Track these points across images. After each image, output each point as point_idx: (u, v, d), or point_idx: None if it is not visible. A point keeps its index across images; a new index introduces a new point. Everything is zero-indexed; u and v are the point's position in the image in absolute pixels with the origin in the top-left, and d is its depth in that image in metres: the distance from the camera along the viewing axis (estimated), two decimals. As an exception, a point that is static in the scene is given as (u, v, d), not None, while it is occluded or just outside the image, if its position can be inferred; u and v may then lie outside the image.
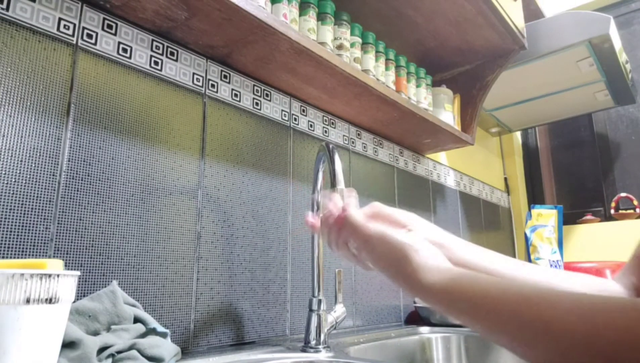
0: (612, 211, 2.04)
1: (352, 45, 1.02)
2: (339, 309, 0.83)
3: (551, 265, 1.63)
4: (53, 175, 0.61)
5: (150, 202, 0.72)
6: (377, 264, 0.46)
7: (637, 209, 1.98)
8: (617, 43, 1.46)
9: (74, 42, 0.67)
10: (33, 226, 0.58)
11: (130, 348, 0.54)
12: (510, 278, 0.49)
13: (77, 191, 0.64)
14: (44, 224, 0.59)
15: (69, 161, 0.63)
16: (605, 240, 2.02)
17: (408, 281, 0.41)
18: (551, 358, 0.28)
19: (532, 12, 1.59)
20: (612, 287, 0.48)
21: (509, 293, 0.33)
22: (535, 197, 2.31)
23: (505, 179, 2.24)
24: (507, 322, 0.31)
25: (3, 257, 0.55)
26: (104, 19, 0.71)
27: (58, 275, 0.39)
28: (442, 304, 0.38)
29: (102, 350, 0.53)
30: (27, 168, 0.59)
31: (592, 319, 0.26)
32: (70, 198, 0.63)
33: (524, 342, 0.30)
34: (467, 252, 0.52)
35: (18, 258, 0.56)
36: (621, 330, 0.24)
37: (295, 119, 1.03)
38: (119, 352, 0.53)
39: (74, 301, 0.55)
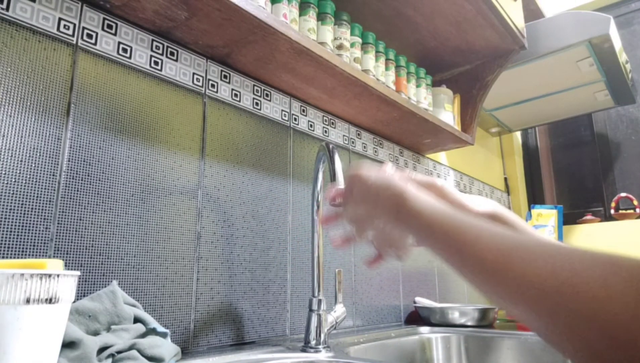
0: (612, 211, 2.04)
1: (352, 45, 1.02)
2: (339, 309, 0.83)
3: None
4: (53, 175, 0.61)
5: (150, 202, 0.72)
6: (379, 211, 0.44)
7: (637, 209, 1.98)
8: (617, 43, 1.46)
9: (74, 42, 0.67)
10: (33, 226, 0.58)
11: (130, 348, 0.54)
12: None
13: (77, 191, 0.64)
14: (44, 224, 0.59)
15: (69, 161, 0.63)
16: (605, 240, 2.02)
17: (404, 218, 0.41)
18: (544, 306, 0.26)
19: (532, 12, 1.59)
20: None
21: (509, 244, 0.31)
22: (535, 197, 2.31)
23: (505, 179, 2.24)
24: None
25: (3, 257, 0.55)
26: (104, 19, 0.71)
27: (58, 275, 0.39)
28: (432, 238, 0.37)
29: (102, 350, 0.53)
30: (27, 168, 0.59)
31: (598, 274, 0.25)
32: (70, 198, 0.63)
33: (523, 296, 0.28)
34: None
35: (18, 258, 0.56)
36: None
37: (295, 119, 1.03)
38: (119, 352, 0.53)
39: (74, 301, 0.55)
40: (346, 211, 0.50)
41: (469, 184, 1.84)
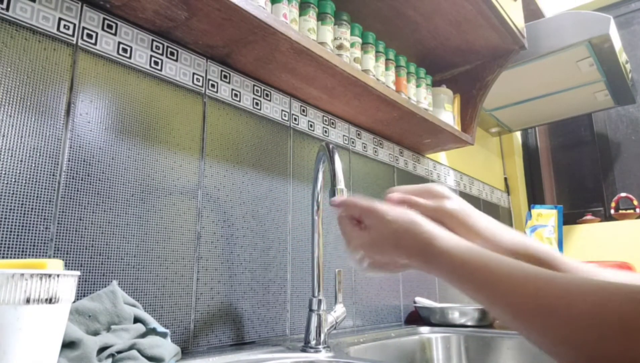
0: (612, 211, 2.04)
1: (352, 45, 1.02)
2: (339, 309, 0.83)
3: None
4: (53, 175, 0.61)
5: (150, 202, 0.72)
6: (401, 252, 0.44)
7: (637, 209, 1.98)
8: (617, 43, 1.46)
9: (74, 42, 0.67)
10: (33, 226, 0.58)
11: (130, 348, 0.54)
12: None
13: (77, 191, 0.64)
14: (44, 225, 0.59)
15: (69, 161, 0.63)
16: (605, 240, 2.02)
17: (433, 260, 0.40)
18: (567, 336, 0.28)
19: (532, 12, 1.59)
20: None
21: (531, 275, 0.33)
22: (535, 197, 2.31)
23: (505, 179, 2.24)
24: (527, 303, 0.32)
25: (3, 257, 0.55)
26: (104, 19, 0.71)
27: (58, 275, 0.39)
28: (463, 278, 0.38)
29: (102, 350, 0.53)
30: (27, 168, 0.59)
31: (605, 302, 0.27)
32: (70, 198, 0.63)
33: (540, 325, 0.30)
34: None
35: (18, 258, 0.56)
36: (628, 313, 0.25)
37: (295, 119, 1.03)
38: (119, 352, 0.53)
39: (74, 301, 0.55)
40: (362, 248, 0.48)
41: (469, 184, 1.84)
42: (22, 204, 0.58)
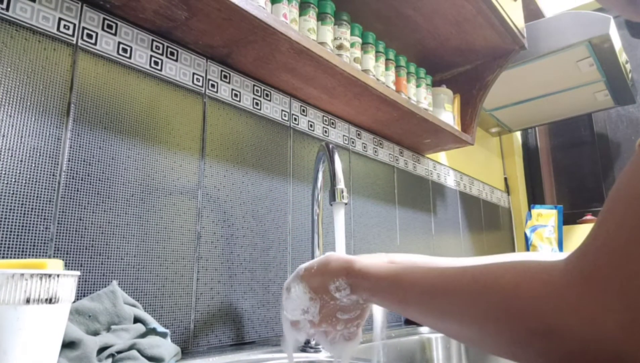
0: (612, 211, 2.04)
1: (352, 45, 1.02)
2: (339, 309, 0.83)
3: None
4: (53, 175, 0.61)
5: (150, 202, 0.72)
6: (330, 277, 0.47)
7: (637, 209, 1.98)
8: (617, 43, 1.46)
9: (74, 42, 0.67)
10: (33, 226, 0.58)
11: (130, 348, 0.54)
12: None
13: (77, 191, 0.64)
14: (44, 225, 0.59)
15: (69, 161, 0.63)
16: (605, 240, 2.01)
17: (355, 278, 0.44)
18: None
19: (532, 12, 1.59)
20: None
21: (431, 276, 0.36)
22: (535, 197, 2.31)
23: (505, 179, 2.24)
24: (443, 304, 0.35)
25: (3, 257, 0.55)
26: (104, 19, 0.71)
27: (58, 275, 0.39)
28: (381, 291, 0.42)
29: (102, 350, 0.53)
30: (27, 168, 0.59)
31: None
32: (70, 198, 0.63)
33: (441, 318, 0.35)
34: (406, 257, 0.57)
35: (18, 258, 0.56)
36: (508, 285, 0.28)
37: (295, 119, 1.03)
38: (119, 352, 0.53)
39: (74, 301, 0.55)
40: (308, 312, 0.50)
41: (469, 184, 1.84)
42: (22, 204, 0.58)
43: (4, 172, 0.57)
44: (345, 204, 0.69)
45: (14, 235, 0.57)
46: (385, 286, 0.41)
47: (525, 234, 1.78)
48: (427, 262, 0.56)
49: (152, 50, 0.77)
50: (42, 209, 0.60)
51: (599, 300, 0.23)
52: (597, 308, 0.23)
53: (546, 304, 0.25)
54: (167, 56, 0.79)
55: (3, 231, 0.56)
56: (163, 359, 0.56)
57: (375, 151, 1.29)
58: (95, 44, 0.69)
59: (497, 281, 0.29)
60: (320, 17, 0.93)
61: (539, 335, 0.25)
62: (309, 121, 1.07)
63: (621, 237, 0.23)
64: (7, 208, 0.56)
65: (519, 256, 0.57)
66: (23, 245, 0.57)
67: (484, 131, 2.12)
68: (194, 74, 0.83)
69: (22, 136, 0.59)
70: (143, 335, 0.58)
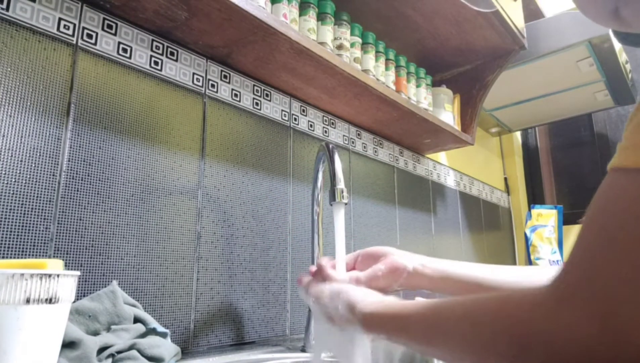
0: (612, 211, 2.04)
1: (352, 45, 1.02)
2: (339, 309, 0.83)
3: (551, 265, 1.63)
4: (53, 175, 0.61)
5: (150, 202, 0.72)
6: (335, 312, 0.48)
7: (637, 209, 1.98)
8: (617, 43, 1.46)
9: (74, 42, 0.67)
10: (33, 226, 0.58)
11: (130, 348, 0.54)
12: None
13: (77, 191, 0.64)
14: (44, 225, 0.59)
15: (69, 161, 0.63)
16: (605, 240, 2.01)
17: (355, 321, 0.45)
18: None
19: (532, 12, 1.59)
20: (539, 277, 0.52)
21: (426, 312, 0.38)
22: (535, 197, 2.31)
23: (505, 179, 2.24)
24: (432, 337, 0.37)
25: (3, 257, 0.55)
26: (104, 19, 0.71)
27: (58, 275, 0.39)
28: (376, 329, 0.43)
29: (102, 350, 0.53)
30: (27, 168, 0.59)
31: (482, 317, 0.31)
32: (70, 198, 0.63)
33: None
34: (443, 264, 0.59)
35: (18, 258, 0.56)
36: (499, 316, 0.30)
37: (295, 119, 1.03)
38: (119, 352, 0.53)
39: (74, 301, 0.55)
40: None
41: (469, 184, 1.84)
42: (22, 204, 0.58)
43: (4, 172, 0.57)
44: (345, 204, 0.69)
45: (14, 235, 0.57)
46: (384, 328, 0.42)
47: (525, 234, 1.78)
48: (460, 269, 0.57)
49: (152, 50, 0.77)
50: (42, 209, 0.60)
51: (574, 308, 0.25)
52: (572, 316, 0.25)
53: (527, 322, 0.28)
54: (167, 56, 0.79)
55: (3, 231, 0.56)
56: (163, 359, 0.56)
57: (375, 151, 1.29)
58: (95, 44, 0.69)
59: (483, 311, 0.31)
60: (320, 17, 0.93)
61: (526, 353, 0.27)
62: (309, 121, 1.07)
63: (590, 260, 0.26)
64: (7, 208, 0.56)
65: (530, 269, 0.58)
66: (23, 245, 0.57)
67: (484, 131, 2.12)
68: (194, 74, 0.83)
69: (22, 136, 0.59)
70: (143, 335, 0.58)
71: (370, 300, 0.46)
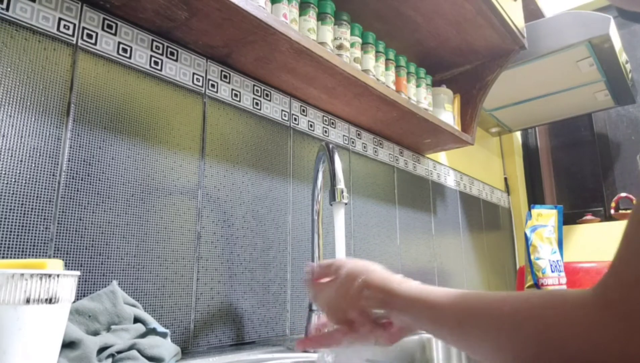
0: (612, 211, 2.04)
1: (352, 45, 1.02)
2: (339, 309, 0.83)
3: (551, 265, 1.63)
4: (53, 175, 0.61)
5: (150, 202, 0.72)
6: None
7: (637, 209, 1.98)
8: (617, 43, 1.46)
9: (74, 42, 0.67)
10: (33, 226, 0.58)
11: (130, 348, 0.54)
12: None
13: (77, 191, 0.64)
14: (44, 225, 0.59)
15: (69, 161, 0.63)
16: (605, 240, 2.02)
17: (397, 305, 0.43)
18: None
19: (532, 12, 1.59)
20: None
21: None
22: (535, 197, 2.31)
23: (505, 179, 2.24)
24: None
25: (3, 257, 0.55)
26: (104, 19, 0.71)
27: (58, 275, 0.39)
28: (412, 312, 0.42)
29: (102, 350, 0.53)
30: (27, 168, 0.59)
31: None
32: (70, 198, 0.63)
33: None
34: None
35: (18, 258, 0.56)
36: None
37: (295, 119, 1.03)
38: (119, 352, 0.53)
39: (74, 301, 0.55)
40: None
41: (469, 184, 1.84)
42: (22, 204, 0.58)
43: (4, 172, 0.57)
44: (345, 204, 0.69)
45: (14, 235, 0.57)
46: (420, 307, 0.41)
47: (525, 234, 1.78)
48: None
49: (152, 50, 0.77)
50: (42, 209, 0.60)
51: (622, 320, 0.24)
52: (620, 328, 0.24)
53: (575, 329, 0.27)
54: (167, 56, 0.79)
55: (3, 231, 0.56)
56: (163, 359, 0.56)
57: (375, 151, 1.29)
58: (95, 44, 0.69)
59: (533, 311, 0.30)
60: (320, 17, 0.93)
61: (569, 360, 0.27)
62: (309, 121, 1.07)
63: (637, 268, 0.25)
64: (7, 208, 0.56)
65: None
66: (23, 245, 0.57)
67: (484, 131, 2.12)
68: (194, 74, 0.83)
69: (22, 136, 0.59)
70: (143, 335, 0.58)
71: (408, 283, 0.44)
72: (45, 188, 0.60)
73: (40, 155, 0.60)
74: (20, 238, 0.57)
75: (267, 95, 0.97)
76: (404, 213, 1.36)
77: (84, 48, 0.68)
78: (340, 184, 0.68)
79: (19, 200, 0.58)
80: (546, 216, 1.81)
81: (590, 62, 1.52)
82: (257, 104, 0.94)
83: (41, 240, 0.59)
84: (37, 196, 0.59)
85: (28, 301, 0.37)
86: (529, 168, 2.37)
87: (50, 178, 0.61)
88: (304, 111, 1.06)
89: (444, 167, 1.67)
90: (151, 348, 0.55)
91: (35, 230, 0.59)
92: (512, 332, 0.31)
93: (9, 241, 0.56)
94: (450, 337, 0.38)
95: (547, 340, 0.28)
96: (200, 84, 0.84)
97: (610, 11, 2.14)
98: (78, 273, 0.43)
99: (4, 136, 0.58)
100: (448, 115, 1.33)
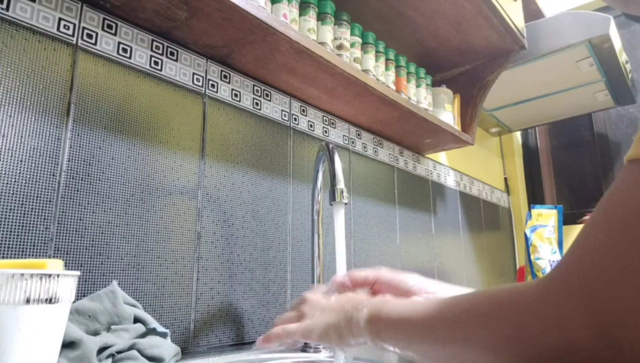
0: (612, 211, 2.04)
1: (352, 45, 1.02)
2: (339, 309, 0.83)
3: (551, 265, 1.63)
4: (53, 175, 0.61)
5: (150, 202, 0.72)
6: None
7: (637, 209, 1.97)
8: (617, 43, 1.46)
9: (74, 42, 0.67)
10: (33, 226, 0.58)
11: (130, 348, 0.54)
12: None
13: (77, 191, 0.64)
14: (44, 225, 0.59)
15: (69, 161, 0.63)
16: (605, 240, 2.01)
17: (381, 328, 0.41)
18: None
19: (532, 12, 1.59)
20: None
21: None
22: (535, 197, 2.31)
23: (505, 179, 2.24)
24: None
25: (3, 257, 0.55)
26: (104, 19, 0.71)
27: (58, 275, 0.39)
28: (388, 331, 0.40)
29: (102, 350, 0.53)
30: (27, 168, 0.59)
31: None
32: (70, 198, 0.63)
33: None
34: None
35: (18, 258, 0.56)
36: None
37: (295, 119, 1.03)
38: (119, 352, 0.53)
39: (74, 301, 0.55)
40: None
41: (469, 184, 1.84)
42: (22, 204, 0.58)
43: (4, 172, 0.57)
44: (345, 204, 0.69)
45: (14, 235, 0.57)
46: (390, 328, 0.39)
47: (525, 234, 1.78)
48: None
49: (152, 50, 0.77)
50: (42, 209, 0.60)
51: (570, 305, 0.25)
52: (567, 313, 0.25)
53: (522, 314, 0.27)
54: (167, 56, 0.79)
55: (3, 231, 0.56)
56: (163, 359, 0.56)
57: (375, 151, 1.29)
58: (95, 44, 0.69)
59: (482, 306, 0.31)
60: (320, 17, 0.93)
61: (519, 344, 0.27)
62: (309, 121, 1.07)
63: (590, 254, 0.25)
64: (7, 208, 0.56)
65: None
66: (23, 245, 0.57)
67: (484, 131, 2.12)
68: (194, 74, 0.83)
69: (22, 136, 0.59)
70: (143, 335, 0.58)
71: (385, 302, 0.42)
72: (45, 188, 0.60)
73: (40, 155, 0.60)
74: (20, 238, 0.57)
75: (267, 95, 0.97)
76: (404, 213, 1.36)
77: (84, 48, 0.68)
78: (340, 184, 0.68)
79: (19, 200, 0.58)
80: (546, 216, 1.81)
81: (590, 62, 1.53)
82: (257, 104, 0.94)
83: (41, 240, 0.59)
84: (37, 196, 0.59)
85: (28, 301, 0.37)
86: (529, 168, 2.37)
87: (50, 178, 0.61)
88: (304, 111, 1.06)
89: (444, 167, 1.67)
90: (151, 348, 0.55)
91: (35, 230, 0.59)
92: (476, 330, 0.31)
93: (9, 241, 0.56)
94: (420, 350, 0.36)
95: (502, 331, 0.28)
96: (200, 84, 0.84)
97: (610, 11, 2.14)
98: (78, 273, 0.43)
99: (4, 136, 0.58)
100: (448, 115, 1.33)
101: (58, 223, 0.61)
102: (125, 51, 0.73)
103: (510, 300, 0.29)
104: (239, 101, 0.90)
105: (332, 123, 1.15)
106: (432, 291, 0.48)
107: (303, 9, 0.89)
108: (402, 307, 0.39)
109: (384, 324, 0.40)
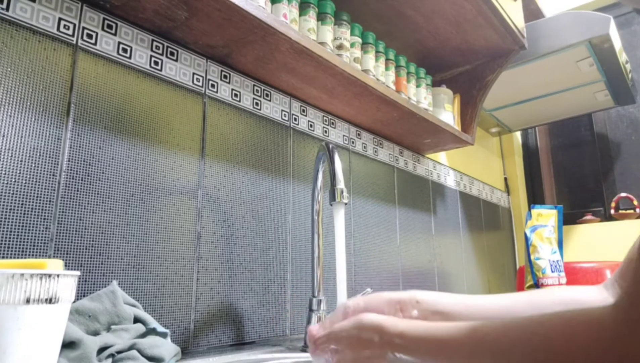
0: (612, 211, 2.04)
1: (352, 45, 1.02)
2: (339, 309, 0.83)
3: (551, 265, 1.63)
4: (53, 175, 0.61)
5: (150, 202, 0.72)
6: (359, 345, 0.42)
7: (637, 209, 1.98)
8: (617, 43, 1.46)
9: (74, 42, 0.67)
10: (33, 226, 0.58)
11: (130, 348, 0.54)
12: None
13: (77, 191, 0.64)
14: (44, 224, 0.59)
15: (69, 161, 0.63)
16: (605, 240, 2.02)
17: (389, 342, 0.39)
18: None
19: (532, 12, 1.59)
20: (584, 298, 0.47)
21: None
22: (535, 197, 2.31)
23: (505, 179, 2.24)
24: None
25: (3, 257, 0.55)
26: (104, 19, 0.71)
27: (58, 275, 0.39)
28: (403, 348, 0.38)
29: (102, 350, 0.53)
30: (27, 168, 0.59)
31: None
32: (70, 198, 0.63)
33: None
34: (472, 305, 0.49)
35: (18, 258, 0.56)
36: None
37: (295, 119, 1.03)
38: (119, 352, 0.53)
39: (74, 301, 0.55)
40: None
41: (469, 184, 1.84)
42: (22, 204, 0.58)
43: (4, 172, 0.57)
44: (345, 204, 0.69)
45: (14, 235, 0.57)
46: (427, 348, 0.37)
47: (525, 234, 1.78)
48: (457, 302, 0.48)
49: (152, 50, 0.77)
50: (42, 209, 0.60)
51: None
52: None
53: (598, 356, 0.26)
54: (167, 56, 0.79)
55: (3, 231, 0.56)
56: (163, 359, 0.56)
57: (375, 151, 1.29)
58: (95, 44, 0.69)
59: (547, 335, 0.29)
60: (320, 17, 0.93)
61: None
62: (309, 121, 1.07)
63: None
64: (7, 208, 0.56)
65: (561, 291, 0.49)
66: (23, 245, 0.57)
67: (484, 131, 2.12)
68: (194, 74, 0.83)
69: (22, 136, 0.59)
70: (143, 335, 0.58)
71: (400, 321, 0.40)
72: (45, 188, 0.60)
73: (40, 155, 0.60)
74: (20, 238, 0.57)
75: (267, 95, 0.97)
76: (404, 213, 1.36)
77: (84, 48, 0.68)
78: (340, 184, 0.68)
79: (19, 200, 0.58)
80: (546, 216, 1.81)
81: (590, 62, 1.53)
82: (257, 104, 0.94)
83: (41, 240, 0.59)
84: (37, 196, 0.59)
85: (28, 301, 0.37)
86: (529, 168, 2.37)
87: (50, 178, 0.61)
88: (304, 111, 1.06)
89: (444, 167, 1.67)
90: (151, 348, 0.55)
91: (35, 230, 0.59)
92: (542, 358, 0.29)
93: (9, 241, 0.56)
94: None
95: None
96: (200, 84, 0.84)
97: (610, 11, 2.14)
98: (78, 273, 0.43)
99: (4, 136, 0.58)
100: (448, 115, 1.33)
101: (58, 223, 0.61)
102: (125, 50, 0.73)
103: (587, 330, 0.27)
104: (239, 101, 0.90)
105: (332, 123, 1.15)
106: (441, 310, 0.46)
107: (303, 9, 0.89)
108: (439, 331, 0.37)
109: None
